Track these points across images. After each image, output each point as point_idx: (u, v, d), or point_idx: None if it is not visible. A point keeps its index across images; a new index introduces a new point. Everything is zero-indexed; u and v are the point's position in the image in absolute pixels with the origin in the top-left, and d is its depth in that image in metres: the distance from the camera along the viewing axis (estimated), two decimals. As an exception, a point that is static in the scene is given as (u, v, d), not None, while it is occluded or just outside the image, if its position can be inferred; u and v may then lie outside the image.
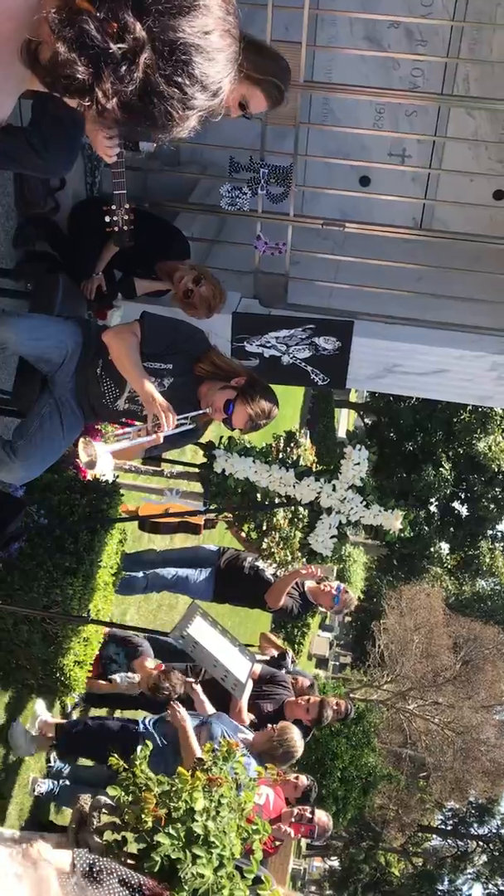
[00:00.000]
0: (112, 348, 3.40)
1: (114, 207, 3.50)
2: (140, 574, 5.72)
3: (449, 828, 31.58)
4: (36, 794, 5.09)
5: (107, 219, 3.57)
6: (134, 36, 1.42)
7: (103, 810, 3.86)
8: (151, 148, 4.63)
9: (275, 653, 6.12)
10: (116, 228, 3.58)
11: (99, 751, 4.71)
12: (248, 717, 5.19)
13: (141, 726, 4.86)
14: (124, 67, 1.43)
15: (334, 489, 4.81)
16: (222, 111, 1.60)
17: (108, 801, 3.77)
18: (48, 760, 5.46)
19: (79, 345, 3.52)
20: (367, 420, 31.06)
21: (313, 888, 37.69)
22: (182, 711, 4.60)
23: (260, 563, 5.62)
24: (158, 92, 1.47)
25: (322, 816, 5.12)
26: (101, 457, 3.05)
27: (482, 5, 5.14)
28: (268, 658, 5.93)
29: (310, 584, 5.71)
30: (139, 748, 3.79)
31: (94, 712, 6.22)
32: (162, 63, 1.45)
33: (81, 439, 3.18)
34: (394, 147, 5.65)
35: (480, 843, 31.28)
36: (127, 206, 3.54)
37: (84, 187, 4.94)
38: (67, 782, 5.31)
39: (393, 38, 5.32)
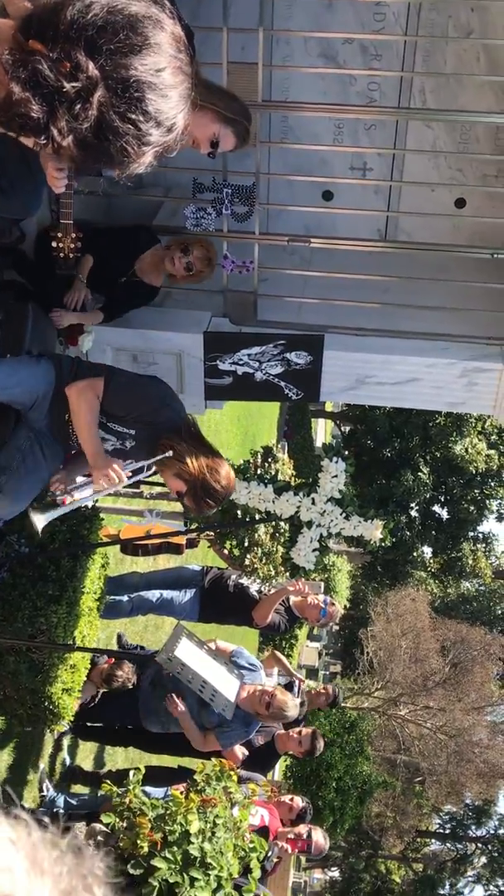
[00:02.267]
0: (73, 410, 3.42)
1: (59, 235, 3.57)
2: (125, 598, 5.71)
3: (447, 831, 31.55)
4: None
5: (53, 244, 3.63)
6: (87, 74, 1.43)
7: (98, 837, 3.84)
8: (114, 173, 4.65)
9: (276, 677, 6.04)
10: (62, 255, 3.64)
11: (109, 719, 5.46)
12: (241, 751, 5.18)
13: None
14: (78, 106, 1.44)
15: (313, 503, 4.85)
16: (178, 147, 1.62)
17: (103, 829, 3.75)
18: (41, 790, 5.43)
19: (51, 384, 3.52)
20: (343, 429, 31.18)
21: (315, 900, 37.50)
22: (180, 705, 4.85)
23: (244, 581, 5.62)
24: (113, 128, 1.49)
25: (319, 837, 5.07)
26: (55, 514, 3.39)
27: (434, 18, 5.22)
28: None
29: (295, 598, 5.72)
30: (131, 773, 3.78)
31: (83, 746, 6.24)
32: (115, 100, 1.46)
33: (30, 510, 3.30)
34: (355, 161, 5.71)
35: (479, 845, 31.28)
36: (73, 234, 3.61)
37: (49, 213, 4.96)
38: (61, 811, 5.28)
39: (348, 54, 5.38)
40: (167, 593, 5.74)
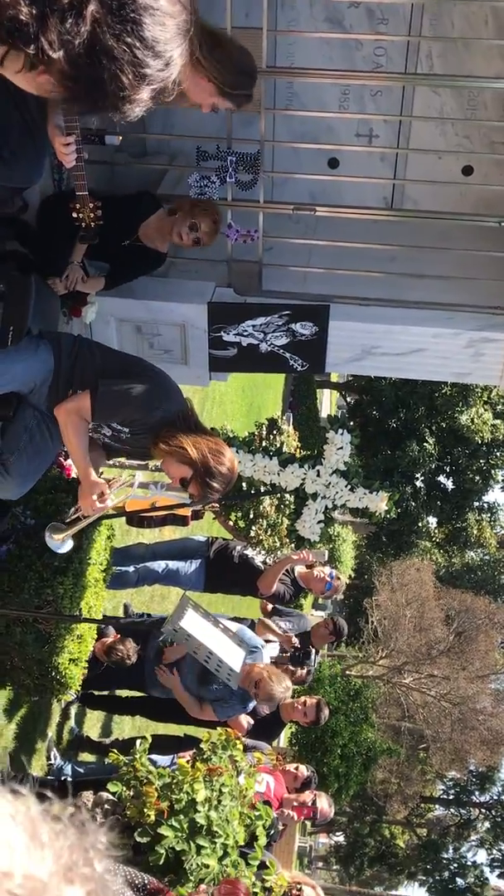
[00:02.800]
0: (62, 432, 3.45)
1: (78, 206, 3.53)
2: (131, 568, 5.74)
3: (451, 797, 31.95)
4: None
5: (74, 215, 3.59)
6: None
7: (105, 806, 3.88)
8: (117, 141, 4.59)
9: (295, 640, 5.97)
10: (84, 225, 3.60)
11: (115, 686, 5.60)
12: (245, 720, 5.23)
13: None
14: (70, 17, 1.37)
15: (318, 475, 4.84)
16: (174, 91, 1.54)
17: (110, 797, 3.79)
18: (48, 758, 5.49)
19: (50, 371, 3.48)
20: (349, 399, 31.11)
21: (320, 864, 38.11)
22: (168, 676, 5.03)
23: (249, 551, 5.64)
24: (108, 49, 1.41)
25: (324, 804, 5.11)
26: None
27: (441, -19, 5.12)
28: (289, 653, 5.84)
29: (300, 569, 5.73)
30: (138, 742, 3.81)
31: (90, 715, 6.31)
32: (111, 19, 1.38)
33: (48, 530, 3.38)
34: (361, 128, 5.63)
35: (482, 811, 31.68)
36: (91, 204, 3.56)
37: (52, 182, 4.91)
38: (69, 779, 5.34)
39: (354, 19, 5.28)
40: (173, 564, 5.77)
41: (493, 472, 25.71)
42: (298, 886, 3.79)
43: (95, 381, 3.42)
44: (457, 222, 5.17)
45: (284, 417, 5.12)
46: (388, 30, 5.28)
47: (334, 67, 5.27)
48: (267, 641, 5.70)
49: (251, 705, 5.11)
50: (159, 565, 5.77)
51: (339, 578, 5.73)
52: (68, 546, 3.87)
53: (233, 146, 4.71)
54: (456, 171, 5.59)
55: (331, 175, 5.56)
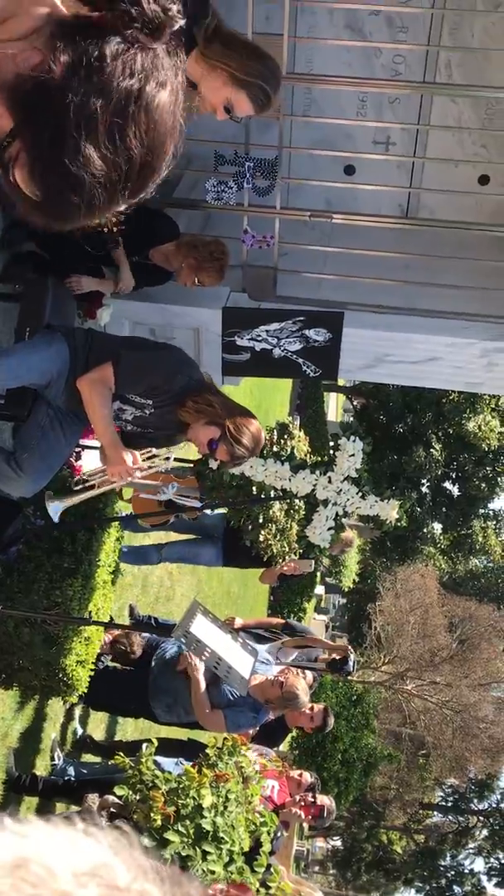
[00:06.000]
0: (85, 401, 3.44)
1: None
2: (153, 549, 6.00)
3: (449, 804, 31.87)
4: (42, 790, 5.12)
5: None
6: None
7: (111, 809, 3.88)
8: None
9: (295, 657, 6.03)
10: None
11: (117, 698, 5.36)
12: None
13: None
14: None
15: (330, 481, 4.83)
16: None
17: (116, 801, 3.79)
18: (52, 759, 5.49)
19: (65, 363, 3.50)
20: (356, 403, 31.08)
21: (317, 868, 38.03)
22: (198, 663, 4.71)
23: None
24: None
25: (324, 798, 5.23)
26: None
27: (462, -10, 5.12)
28: (328, 660, 5.96)
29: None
30: (144, 746, 3.82)
31: (94, 716, 6.31)
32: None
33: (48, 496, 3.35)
34: (378, 135, 5.64)
35: (481, 818, 31.59)
36: None
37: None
38: (73, 780, 5.34)
39: (374, 26, 5.29)
40: (192, 542, 5.96)
41: (499, 479, 25.64)
42: (300, 894, 3.79)
43: (116, 352, 3.47)
44: (472, 232, 5.16)
45: (292, 420, 5.13)
46: (408, 38, 5.28)
47: (353, 74, 5.27)
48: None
49: (263, 717, 5.06)
50: (180, 544, 5.97)
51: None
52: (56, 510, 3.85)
53: (250, 151, 4.71)
54: (472, 180, 5.59)
55: (347, 182, 5.56)
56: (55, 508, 3.70)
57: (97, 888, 0.60)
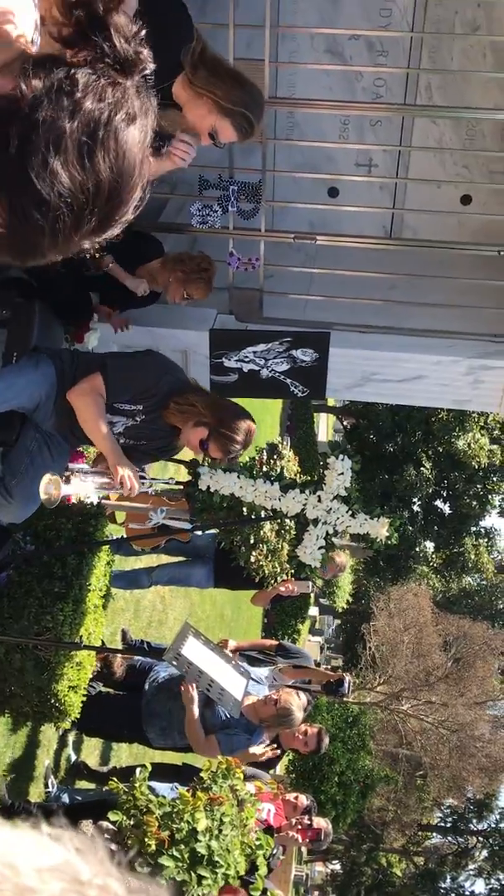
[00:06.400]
0: (78, 413, 3.44)
1: None
2: (143, 572, 5.97)
3: (448, 825, 31.63)
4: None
5: None
6: None
7: (105, 836, 3.84)
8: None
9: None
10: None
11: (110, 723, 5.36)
12: (260, 748, 5.19)
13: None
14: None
15: (319, 500, 4.83)
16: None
17: (110, 826, 3.76)
18: (46, 786, 5.44)
19: (52, 386, 3.52)
20: (346, 423, 31.15)
21: (316, 893, 37.61)
22: (193, 693, 4.70)
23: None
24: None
25: (320, 821, 5.17)
26: (65, 491, 3.35)
27: (440, 14, 5.20)
28: (324, 683, 5.95)
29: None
30: (138, 770, 3.78)
31: (87, 742, 6.26)
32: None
33: (48, 475, 3.24)
34: (360, 157, 5.70)
35: (480, 839, 31.35)
36: None
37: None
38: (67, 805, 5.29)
39: (354, 50, 5.36)
40: (183, 564, 5.92)
41: (489, 497, 25.70)
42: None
43: (102, 362, 3.51)
44: (455, 251, 5.22)
45: (282, 440, 5.14)
46: (388, 62, 5.36)
47: (335, 98, 5.34)
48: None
49: (257, 738, 5.01)
50: (170, 566, 5.93)
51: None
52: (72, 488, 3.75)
53: (235, 175, 4.76)
54: (455, 200, 5.66)
55: (331, 204, 5.61)
56: (51, 503, 3.60)
57: (59, 882, 0.61)
